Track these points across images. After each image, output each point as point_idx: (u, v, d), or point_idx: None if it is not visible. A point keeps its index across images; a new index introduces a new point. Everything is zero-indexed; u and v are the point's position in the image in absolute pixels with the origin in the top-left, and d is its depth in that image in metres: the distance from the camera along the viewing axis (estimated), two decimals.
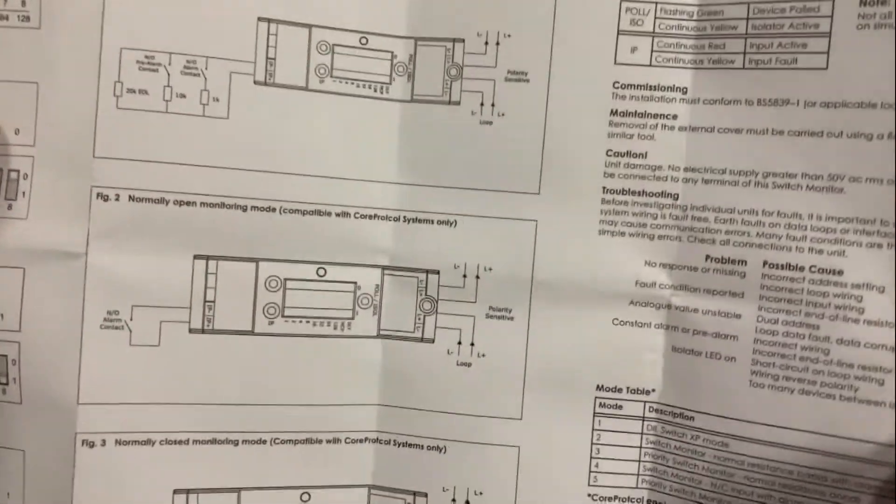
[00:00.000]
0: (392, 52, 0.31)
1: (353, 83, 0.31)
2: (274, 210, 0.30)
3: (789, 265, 0.29)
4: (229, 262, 0.30)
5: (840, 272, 0.28)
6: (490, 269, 0.31)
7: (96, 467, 0.30)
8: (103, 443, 0.30)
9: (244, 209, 0.30)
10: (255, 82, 0.30)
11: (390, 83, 0.31)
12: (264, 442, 0.31)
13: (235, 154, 0.30)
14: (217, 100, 0.30)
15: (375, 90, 0.31)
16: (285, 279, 0.31)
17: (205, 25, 0.29)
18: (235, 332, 0.31)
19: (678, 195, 0.30)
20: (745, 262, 0.29)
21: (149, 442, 0.30)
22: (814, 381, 0.28)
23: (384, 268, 0.31)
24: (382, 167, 0.31)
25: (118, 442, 0.30)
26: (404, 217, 0.31)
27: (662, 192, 0.30)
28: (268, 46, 0.30)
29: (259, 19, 0.30)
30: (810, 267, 0.28)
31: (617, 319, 0.31)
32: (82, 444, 0.30)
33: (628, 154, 0.30)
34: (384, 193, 0.31)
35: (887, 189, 0.27)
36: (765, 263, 0.29)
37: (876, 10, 0.27)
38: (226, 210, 0.30)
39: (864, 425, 0.27)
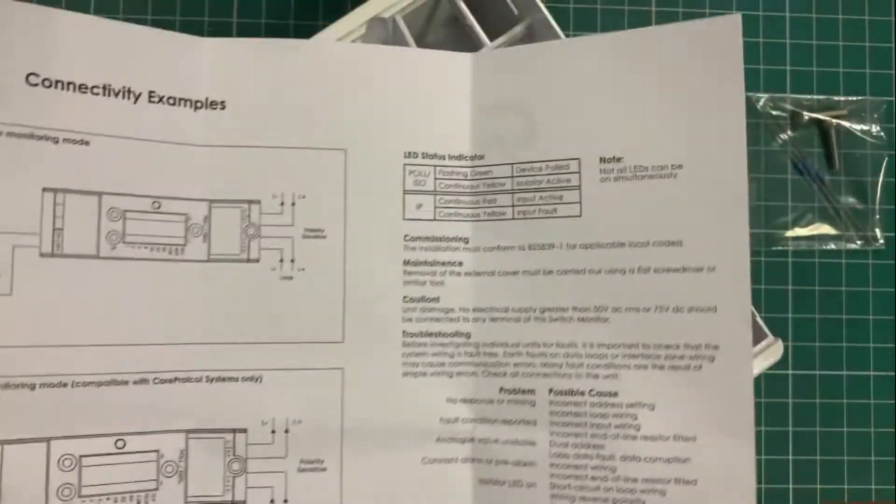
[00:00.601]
0: (186, 214, 0.31)
1: (146, 247, 0.30)
2: (66, 385, 0.29)
3: (571, 391, 0.32)
4: (16, 446, 0.28)
5: (615, 394, 0.31)
6: (299, 422, 0.31)
7: None
8: None
9: (32, 388, 0.28)
10: (41, 255, 0.29)
11: (185, 244, 0.31)
12: None
13: (20, 331, 0.28)
14: None
15: (170, 252, 0.31)
16: (80, 456, 0.29)
17: None
18: None
19: (470, 334, 0.33)
20: (534, 392, 0.32)
21: None
22: (606, 498, 0.31)
23: (188, 431, 0.31)
24: (182, 329, 0.31)
25: None
26: (206, 377, 0.31)
27: (456, 332, 0.33)
28: (54, 217, 0.29)
29: (44, 190, 0.29)
30: (590, 391, 0.32)
31: (426, 458, 0.32)
32: None
33: (423, 299, 0.33)
34: (185, 355, 0.31)
35: (644, 316, 0.31)
36: (550, 391, 0.32)
37: (613, 165, 0.32)
38: (11, 391, 0.28)
39: None
